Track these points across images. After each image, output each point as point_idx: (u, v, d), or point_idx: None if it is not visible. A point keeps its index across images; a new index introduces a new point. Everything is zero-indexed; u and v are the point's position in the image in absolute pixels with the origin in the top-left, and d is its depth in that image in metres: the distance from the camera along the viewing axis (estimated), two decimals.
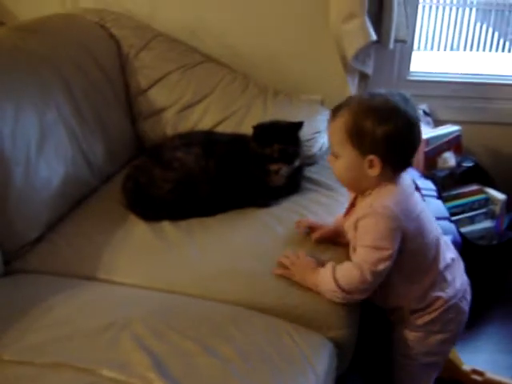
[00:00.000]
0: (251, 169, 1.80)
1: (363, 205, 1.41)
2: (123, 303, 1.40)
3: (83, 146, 1.85)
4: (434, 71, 2.74)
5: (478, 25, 7.88)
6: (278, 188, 1.83)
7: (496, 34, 7.79)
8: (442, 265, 1.47)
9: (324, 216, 1.76)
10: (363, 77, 2.35)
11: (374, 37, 2.16)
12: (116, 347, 1.21)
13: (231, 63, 2.39)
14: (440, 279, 1.48)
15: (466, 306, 1.54)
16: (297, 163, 1.83)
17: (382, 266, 1.35)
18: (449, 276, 1.49)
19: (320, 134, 2.12)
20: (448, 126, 2.47)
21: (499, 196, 2.41)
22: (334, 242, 1.63)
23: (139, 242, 1.64)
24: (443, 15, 7.78)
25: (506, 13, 7.84)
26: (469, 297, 1.55)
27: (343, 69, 2.28)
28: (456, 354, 1.87)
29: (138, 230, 1.69)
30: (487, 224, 2.37)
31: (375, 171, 1.36)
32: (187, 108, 2.16)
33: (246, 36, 2.40)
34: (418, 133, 1.40)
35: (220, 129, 2.10)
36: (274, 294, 1.45)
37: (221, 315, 1.37)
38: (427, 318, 1.49)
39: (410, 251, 1.41)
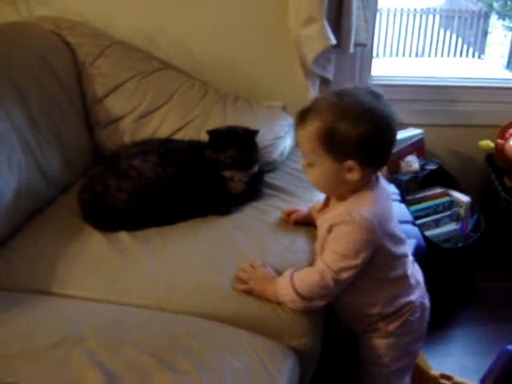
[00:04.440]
0: (209, 176, 1.76)
1: (340, 211, 1.35)
2: (76, 318, 1.35)
3: (38, 157, 1.79)
4: (395, 75, 2.74)
5: (442, 31, 8.02)
6: (238, 195, 1.80)
7: (460, 40, 7.93)
8: (408, 273, 1.46)
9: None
10: (324, 82, 2.34)
11: (333, 41, 2.15)
12: (67, 364, 1.16)
13: (190, 70, 2.36)
14: (407, 286, 1.47)
15: (427, 301, 1.54)
16: (254, 170, 1.80)
17: (345, 275, 1.33)
18: (413, 280, 1.48)
19: (281, 139, 2.10)
20: (410, 129, 2.48)
21: (463, 198, 2.42)
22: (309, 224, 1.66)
23: (95, 253, 1.59)
24: (407, 22, 7.91)
25: (469, 19, 7.99)
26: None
27: (304, 74, 2.26)
28: (424, 360, 1.85)
29: (94, 242, 1.64)
30: (452, 227, 2.38)
31: (355, 176, 1.31)
32: (145, 116, 2.12)
33: (205, 42, 2.37)
34: (393, 129, 1.35)
35: (179, 136, 2.06)
36: (233, 303, 1.41)
37: (178, 327, 1.32)
38: (398, 322, 1.47)
39: (380, 263, 1.38)
